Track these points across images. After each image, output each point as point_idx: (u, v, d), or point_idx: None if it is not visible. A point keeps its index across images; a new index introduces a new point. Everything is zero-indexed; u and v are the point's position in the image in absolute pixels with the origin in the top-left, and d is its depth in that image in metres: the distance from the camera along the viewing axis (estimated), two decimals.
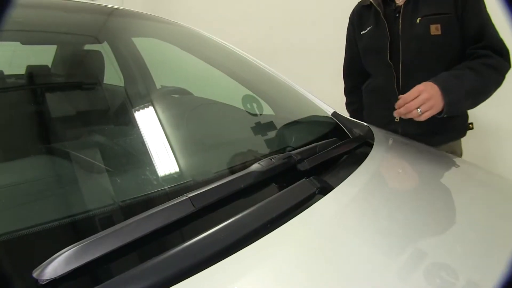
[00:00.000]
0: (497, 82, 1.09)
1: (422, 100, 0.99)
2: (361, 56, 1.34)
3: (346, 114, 1.13)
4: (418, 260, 0.52)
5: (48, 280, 0.38)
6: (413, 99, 1.00)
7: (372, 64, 1.32)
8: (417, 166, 0.83)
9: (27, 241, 0.45)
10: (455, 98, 1.02)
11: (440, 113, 1.03)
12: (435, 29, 1.12)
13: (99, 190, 0.61)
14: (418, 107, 0.99)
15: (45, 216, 0.50)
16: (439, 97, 1.01)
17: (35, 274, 0.38)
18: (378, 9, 1.21)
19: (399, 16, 1.18)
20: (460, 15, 1.11)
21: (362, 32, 1.29)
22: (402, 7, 1.17)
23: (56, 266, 0.38)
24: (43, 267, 0.38)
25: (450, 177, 0.86)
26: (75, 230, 0.50)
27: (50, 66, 0.98)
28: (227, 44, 1.38)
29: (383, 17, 1.20)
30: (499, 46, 1.10)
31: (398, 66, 1.20)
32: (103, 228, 0.45)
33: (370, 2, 1.25)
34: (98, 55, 1.03)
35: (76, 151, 0.67)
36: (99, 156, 0.69)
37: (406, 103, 1.01)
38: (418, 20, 1.14)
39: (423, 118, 1.00)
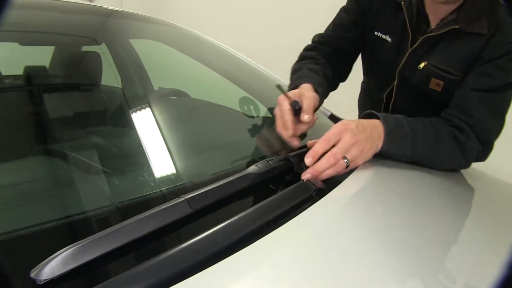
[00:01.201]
0: (455, 163, 0.88)
1: (347, 145, 0.73)
2: (361, 52, 1.15)
3: (344, 116, 1.13)
4: (416, 263, 0.52)
5: (46, 280, 0.38)
6: (330, 148, 0.73)
7: (370, 72, 1.17)
8: (417, 168, 0.84)
9: (25, 241, 0.45)
10: (395, 150, 0.81)
11: None
12: (435, 85, 0.94)
13: (96, 191, 0.61)
14: (343, 157, 0.73)
15: (43, 217, 0.50)
16: (375, 139, 0.78)
17: (32, 274, 0.38)
18: (408, 24, 0.96)
19: (409, 48, 0.97)
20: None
21: (377, 34, 1.04)
22: (419, 40, 0.95)
23: (54, 266, 0.39)
24: (40, 267, 0.38)
25: (450, 179, 0.86)
26: (73, 230, 0.51)
27: (48, 67, 0.98)
28: (225, 46, 1.39)
29: (410, 35, 0.96)
30: (485, 132, 0.87)
31: (389, 100, 1.06)
32: (101, 229, 0.45)
33: (401, 3, 0.96)
34: (96, 56, 1.03)
35: (74, 152, 0.67)
36: (96, 157, 0.69)
37: (316, 154, 0.72)
38: (422, 65, 0.95)
39: (352, 166, 0.75)
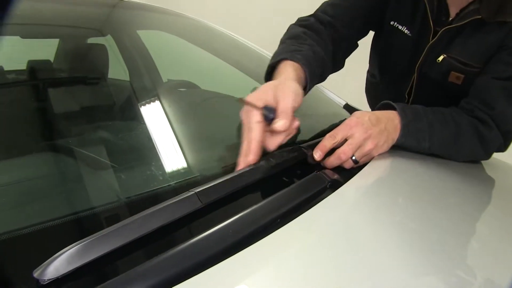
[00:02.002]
0: (475, 155, 0.86)
1: (359, 141, 0.71)
2: (372, 44, 1.10)
3: (359, 106, 1.11)
4: (435, 257, 0.51)
5: (50, 280, 0.38)
6: (338, 145, 0.71)
7: (384, 67, 1.11)
8: (435, 159, 0.81)
9: (28, 240, 0.45)
10: (411, 143, 0.79)
11: None
12: (455, 78, 0.91)
13: (103, 186, 0.61)
14: (351, 156, 0.71)
15: (48, 214, 0.50)
16: (390, 132, 0.75)
17: (36, 274, 0.37)
18: (430, 15, 0.92)
19: (429, 41, 0.93)
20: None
21: (393, 24, 0.98)
22: (439, 33, 0.91)
23: (59, 265, 0.38)
24: (44, 267, 0.37)
25: (470, 170, 0.84)
26: (79, 227, 0.50)
27: (52, 61, 0.98)
28: (235, 35, 1.37)
29: (431, 27, 0.92)
30: (506, 123, 0.84)
31: (409, 94, 1.03)
32: (107, 226, 0.44)
33: None
34: (102, 48, 1.03)
35: (81, 147, 0.67)
36: (104, 152, 0.69)
37: (325, 151, 0.70)
38: (441, 58, 0.92)
39: (366, 160, 0.74)
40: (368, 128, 0.72)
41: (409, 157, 0.79)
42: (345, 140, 0.72)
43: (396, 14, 0.98)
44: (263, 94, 0.66)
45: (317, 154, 0.70)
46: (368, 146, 0.72)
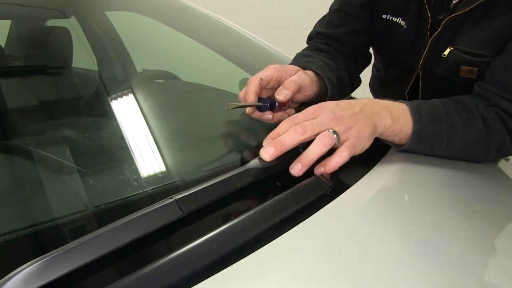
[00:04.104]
0: (502, 154, 0.86)
1: (322, 120, 0.68)
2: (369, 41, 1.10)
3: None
4: (455, 272, 0.51)
5: None
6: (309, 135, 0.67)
7: (385, 63, 1.15)
8: (450, 160, 0.82)
9: None
10: (422, 149, 0.78)
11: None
12: (467, 72, 0.90)
13: (67, 194, 0.61)
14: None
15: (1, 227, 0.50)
16: (371, 116, 0.73)
17: None
18: (426, 2, 0.92)
19: (429, 34, 0.93)
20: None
21: (386, 17, 1.00)
22: (443, 24, 0.90)
23: (13, 287, 0.38)
24: None
25: (496, 171, 0.84)
26: (38, 242, 0.50)
27: (4, 47, 0.97)
28: (221, 18, 1.38)
29: (429, 16, 0.92)
30: None
31: (415, 97, 1.01)
32: (72, 239, 0.44)
33: None
34: (64, 32, 1.02)
35: (40, 149, 0.67)
36: (68, 153, 0.69)
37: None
38: (447, 52, 0.91)
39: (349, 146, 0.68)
40: (335, 111, 0.69)
41: (424, 156, 0.79)
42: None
43: (387, 4, 0.99)
44: (266, 69, 0.79)
45: (267, 141, 0.67)
46: (339, 127, 0.68)
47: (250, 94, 0.77)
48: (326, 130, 0.66)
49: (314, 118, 0.68)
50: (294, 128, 0.66)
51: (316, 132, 0.66)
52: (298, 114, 0.70)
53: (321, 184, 0.65)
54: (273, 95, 0.81)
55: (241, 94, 0.80)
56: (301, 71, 0.85)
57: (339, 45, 1.05)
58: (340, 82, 0.95)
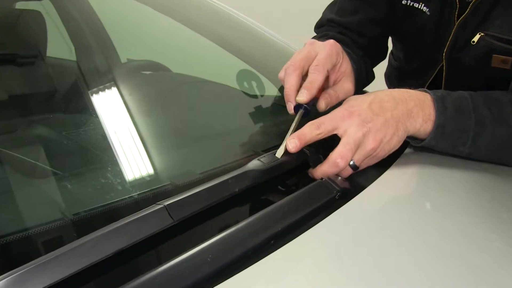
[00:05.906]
0: None
1: (354, 143, 0.69)
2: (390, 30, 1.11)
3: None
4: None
5: None
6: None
7: (406, 52, 1.16)
8: (475, 162, 0.82)
9: None
10: (443, 146, 0.78)
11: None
12: (500, 62, 0.88)
13: (42, 200, 0.61)
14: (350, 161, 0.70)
15: None
16: (402, 117, 0.73)
17: None
18: None
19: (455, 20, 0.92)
20: None
21: (406, 2, 0.99)
22: (470, 6, 0.89)
23: None
24: None
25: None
26: (9, 255, 0.50)
27: None
28: (218, 2, 1.38)
29: (457, 2, 0.91)
30: None
31: (433, 86, 1.02)
32: (48, 251, 0.45)
33: None
34: (37, 16, 1.02)
35: (10, 149, 0.67)
36: (42, 154, 0.69)
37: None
38: (476, 38, 0.89)
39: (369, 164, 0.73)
40: (367, 120, 0.70)
41: (443, 156, 0.79)
42: (337, 137, 0.70)
43: None
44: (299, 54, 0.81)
45: (293, 144, 0.68)
46: (370, 144, 0.69)
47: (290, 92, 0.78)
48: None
49: (343, 130, 0.69)
50: (333, 163, 0.68)
51: (352, 156, 0.69)
52: (325, 118, 0.71)
53: (329, 188, 0.65)
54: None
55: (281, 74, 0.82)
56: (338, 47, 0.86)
57: (353, 35, 1.04)
58: (359, 76, 0.95)
